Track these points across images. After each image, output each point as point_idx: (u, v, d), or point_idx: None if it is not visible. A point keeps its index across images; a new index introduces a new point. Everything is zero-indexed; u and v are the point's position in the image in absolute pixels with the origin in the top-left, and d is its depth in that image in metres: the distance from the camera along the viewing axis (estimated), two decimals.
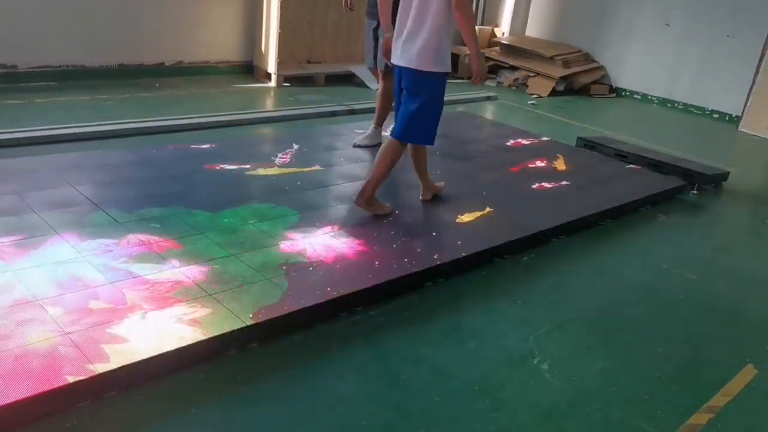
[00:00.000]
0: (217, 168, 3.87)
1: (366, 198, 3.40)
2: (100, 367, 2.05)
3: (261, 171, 3.92)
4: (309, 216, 3.36)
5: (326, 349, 2.48)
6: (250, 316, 2.43)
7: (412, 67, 3.26)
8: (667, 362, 2.69)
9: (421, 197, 3.77)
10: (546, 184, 4.29)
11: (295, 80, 6.55)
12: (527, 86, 7.72)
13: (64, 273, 2.56)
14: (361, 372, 2.40)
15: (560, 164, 4.70)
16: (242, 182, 3.73)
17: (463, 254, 3.16)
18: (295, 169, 4.02)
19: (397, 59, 3.35)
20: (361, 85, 6.80)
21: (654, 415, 2.35)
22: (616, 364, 2.64)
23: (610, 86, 8.10)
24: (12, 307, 2.31)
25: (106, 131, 4.50)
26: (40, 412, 1.94)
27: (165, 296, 2.50)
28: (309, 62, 6.95)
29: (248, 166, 3.97)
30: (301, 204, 3.50)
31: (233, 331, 2.36)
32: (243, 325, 2.39)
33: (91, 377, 2.01)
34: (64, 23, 5.41)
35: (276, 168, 4.00)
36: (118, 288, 2.51)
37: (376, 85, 6.78)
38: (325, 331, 2.58)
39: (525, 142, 5.26)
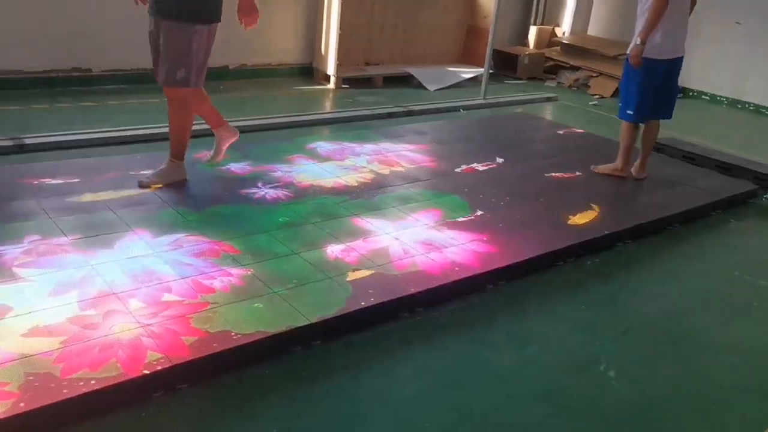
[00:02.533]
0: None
1: (645, 167, 4.38)
2: (175, 359, 2.14)
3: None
4: (369, 214, 3.40)
5: (388, 349, 2.50)
6: (314, 314, 2.48)
7: (683, 54, 4.16)
8: (738, 372, 2.60)
9: (634, 172, 4.37)
10: (611, 187, 4.20)
11: (353, 82, 6.62)
12: (589, 87, 7.57)
13: (139, 267, 2.67)
14: (422, 373, 2.41)
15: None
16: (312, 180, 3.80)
17: (525, 257, 3.13)
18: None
19: (674, 53, 4.07)
20: (419, 86, 6.82)
21: (726, 426, 2.28)
22: (685, 373, 2.56)
23: None
24: (95, 299, 2.43)
25: None
26: (120, 400, 2.03)
27: (231, 292, 2.57)
28: (367, 64, 7.01)
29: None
30: (361, 205, 3.54)
31: (297, 329, 2.40)
32: (307, 322, 2.44)
33: (166, 368, 2.10)
34: (135, 28, 5.58)
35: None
36: (188, 282, 2.60)
37: (434, 86, 6.82)
38: (386, 330, 2.60)
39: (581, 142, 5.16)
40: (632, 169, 4.38)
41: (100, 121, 4.67)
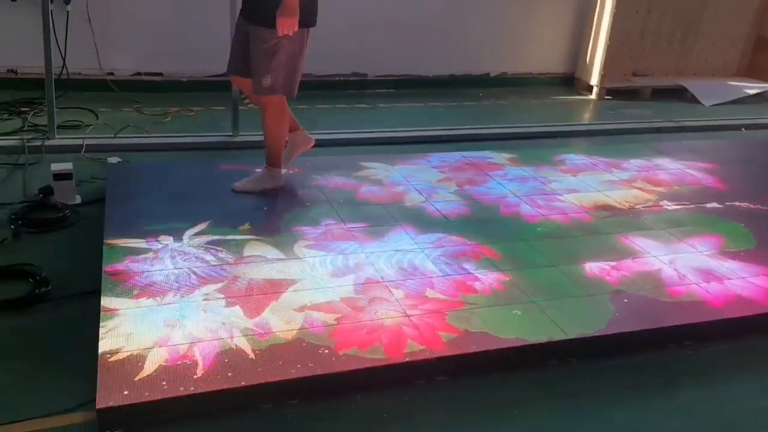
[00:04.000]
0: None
1: None
2: (435, 352, 2.23)
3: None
4: (633, 234, 3.20)
5: (650, 380, 2.33)
6: (573, 330, 2.41)
7: None
8: None
9: None
10: None
11: (617, 93, 6.28)
12: None
13: (405, 261, 2.84)
14: (688, 412, 2.20)
15: None
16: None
17: None
18: None
19: None
20: (692, 100, 6.24)
21: None
22: None
23: None
24: (364, 284, 2.64)
25: (435, 136, 4.87)
26: (387, 381, 2.17)
27: (491, 295, 2.61)
28: (634, 75, 6.61)
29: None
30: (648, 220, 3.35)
31: (556, 342, 2.36)
32: (564, 338, 2.37)
33: (428, 359, 2.20)
34: (404, 37, 5.99)
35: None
36: (449, 281, 2.69)
37: (710, 101, 6.18)
38: (649, 359, 2.42)
39: None
40: None
41: (371, 122, 5.06)
